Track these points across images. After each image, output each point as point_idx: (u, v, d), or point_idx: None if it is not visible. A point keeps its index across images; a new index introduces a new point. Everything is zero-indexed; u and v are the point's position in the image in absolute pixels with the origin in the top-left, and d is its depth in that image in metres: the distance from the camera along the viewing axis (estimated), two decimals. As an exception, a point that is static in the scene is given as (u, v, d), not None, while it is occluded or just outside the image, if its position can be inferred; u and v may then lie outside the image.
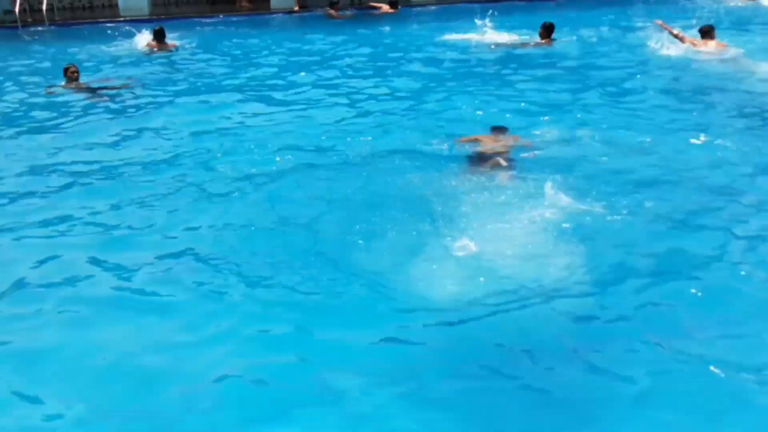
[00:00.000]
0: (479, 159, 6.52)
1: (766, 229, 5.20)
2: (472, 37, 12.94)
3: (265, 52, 12.79)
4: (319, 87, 9.99)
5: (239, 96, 9.58)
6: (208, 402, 3.58)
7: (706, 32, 10.70)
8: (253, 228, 5.49)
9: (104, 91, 9.72)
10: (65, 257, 5.07)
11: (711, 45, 10.55)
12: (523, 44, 12.12)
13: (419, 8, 17.92)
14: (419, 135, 7.43)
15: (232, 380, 3.74)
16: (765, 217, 5.36)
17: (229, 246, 5.14)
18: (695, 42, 10.64)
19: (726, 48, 10.53)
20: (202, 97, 9.49)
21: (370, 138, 7.43)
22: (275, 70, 11.21)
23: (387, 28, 15.21)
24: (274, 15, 17.58)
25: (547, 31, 12.05)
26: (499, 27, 13.20)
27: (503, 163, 6.24)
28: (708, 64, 10.05)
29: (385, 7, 17.25)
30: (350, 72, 11.03)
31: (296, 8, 17.96)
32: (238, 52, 13.00)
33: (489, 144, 6.80)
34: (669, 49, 10.74)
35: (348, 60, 11.84)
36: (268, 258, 4.91)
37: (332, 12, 16.91)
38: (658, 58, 10.66)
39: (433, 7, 17.99)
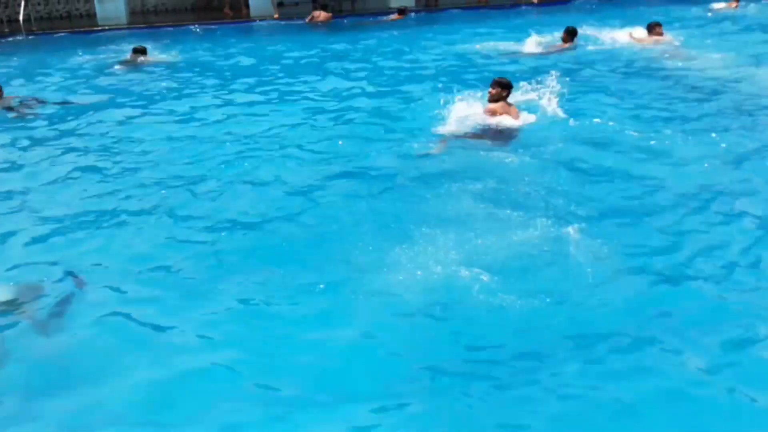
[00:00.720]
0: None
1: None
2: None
3: (250, 59, 12.81)
4: (308, 95, 10.05)
5: (223, 105, 9.59)
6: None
7: (652, 27, 12.28)
8: (238, 235, 5.55)
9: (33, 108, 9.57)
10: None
11: (654, 38, 12.17)
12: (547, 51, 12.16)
13: (421, 13, 18.26)
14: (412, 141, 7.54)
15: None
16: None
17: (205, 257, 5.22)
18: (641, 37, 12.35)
19: (666, 39, 12.13)
20: (180, 107, 9.46)
21: (360, 144, 7.52)
22: (259, 77, 11.24)
23: (395, 33, 15.36)
24: (254, 22, 17.59)
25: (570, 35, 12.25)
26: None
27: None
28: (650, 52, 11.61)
29: (394, 15, 17.40)
30: (353, 78, 11.03)
31: (276, 15, 17.99)
32: (221, 60, 13.00)
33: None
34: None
35: (358, 67, 11.89)
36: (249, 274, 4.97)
37: (318, 17, 16.92)
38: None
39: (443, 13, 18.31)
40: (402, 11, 17.38)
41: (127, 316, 4.45)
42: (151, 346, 4.16)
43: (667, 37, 12.21)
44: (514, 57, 11.80)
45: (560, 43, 12.26)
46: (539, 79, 8.45)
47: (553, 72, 8.67)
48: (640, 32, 12.55)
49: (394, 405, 3.57)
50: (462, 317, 4.23)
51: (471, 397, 3.61)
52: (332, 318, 4.35)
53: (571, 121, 7.60)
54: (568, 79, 9.22)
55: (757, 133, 7.37)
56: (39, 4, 19.70)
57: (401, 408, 3.58)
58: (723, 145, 7.00)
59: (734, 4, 16.19)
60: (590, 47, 12.19)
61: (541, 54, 11.83)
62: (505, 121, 7.32)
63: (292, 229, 5.57)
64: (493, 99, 7.42)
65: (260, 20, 17.65)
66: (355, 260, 4.94)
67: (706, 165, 6.52)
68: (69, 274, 4.95)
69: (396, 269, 4.69)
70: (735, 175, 6.25)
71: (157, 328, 4.32)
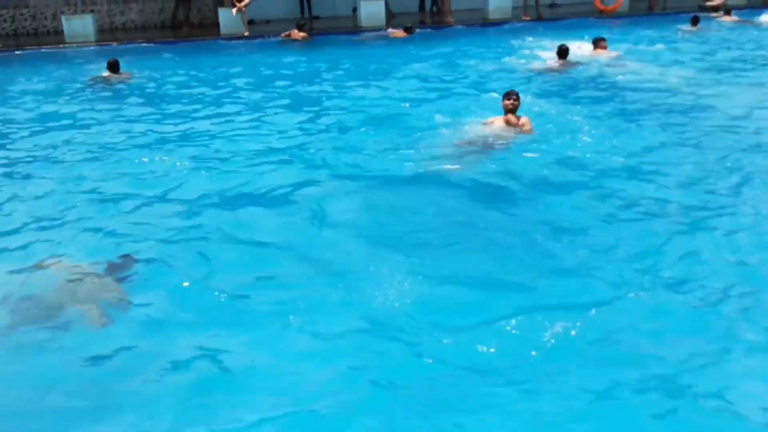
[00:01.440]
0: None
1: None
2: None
3: (222, 76, 12.75)
4: (280, 107, 10.04)
5: (190, 121, 9.47)
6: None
7: (596, 42, 13.22)
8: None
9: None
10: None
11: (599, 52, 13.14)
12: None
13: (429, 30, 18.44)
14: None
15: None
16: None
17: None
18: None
19: (611, 53, 13.06)
20: (153, 125, 9.34)
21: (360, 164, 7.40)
22: (231, 94, 11.17)
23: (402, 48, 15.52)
24: (224, 40, 17.54)
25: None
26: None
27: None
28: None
29: (400, 32, 17.46)
30: (357, 96, 10.92)
31: (246, 33, 17.97)
32: (192, 77, 12.92)
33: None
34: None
35: (363, 87, 11.74)
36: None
37: (296, 34, 16.85)
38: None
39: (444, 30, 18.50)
40: (408, 29, 17.48)
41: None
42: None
43: (613, 52, 13.24)
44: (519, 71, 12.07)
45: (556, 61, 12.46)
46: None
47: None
48: (586, 47, 13.50)
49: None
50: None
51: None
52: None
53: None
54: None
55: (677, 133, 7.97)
56: (5, 21, 19.49)
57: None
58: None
59: (696, 27, 16.61)
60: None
61: (540, 70, 12.07)
62: (526, 127, 7.74)
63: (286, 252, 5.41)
64: (514, 109, 7.80)
65: (230, 38, 17.60)
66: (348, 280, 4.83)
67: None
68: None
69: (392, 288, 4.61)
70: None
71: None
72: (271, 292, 4.64)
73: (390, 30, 17.85)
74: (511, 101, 7.79)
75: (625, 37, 15.59)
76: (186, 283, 4.77)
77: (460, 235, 5.51)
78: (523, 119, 7.78)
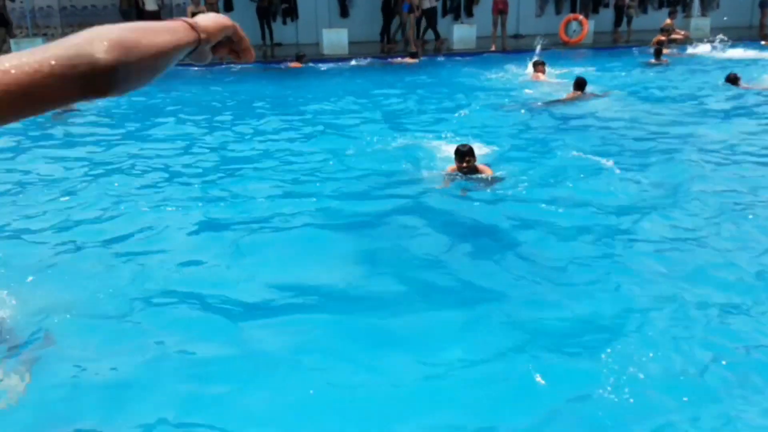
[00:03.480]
0: None
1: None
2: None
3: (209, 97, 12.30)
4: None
5: (177, 141, 9.04)
6: None
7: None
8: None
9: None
10: None
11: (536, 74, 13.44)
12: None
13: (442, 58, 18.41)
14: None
15: None
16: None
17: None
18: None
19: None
20: (144, 144, 8.84)
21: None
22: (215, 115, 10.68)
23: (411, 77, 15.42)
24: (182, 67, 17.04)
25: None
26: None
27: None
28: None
29: (408, 59, 17.46)
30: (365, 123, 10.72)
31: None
32: (174, 98, 12.46)
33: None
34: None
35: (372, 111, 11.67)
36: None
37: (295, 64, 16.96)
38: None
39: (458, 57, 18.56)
40: (414, 55, 17.58)
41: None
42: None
43: (545, 77, 13.74)
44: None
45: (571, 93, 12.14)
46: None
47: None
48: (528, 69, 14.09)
49: None
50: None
51: None
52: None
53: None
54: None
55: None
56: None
57: None
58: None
59: (666, 61, 16.60)
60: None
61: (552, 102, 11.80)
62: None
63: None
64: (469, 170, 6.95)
65: (186, 65, 17.08)
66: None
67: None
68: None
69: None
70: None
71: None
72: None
73: (398, 58, 17.91)
74: (465, 163, 6.85)
75: (588, 67, 15.52)
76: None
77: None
78: (482, 169, 7.06)
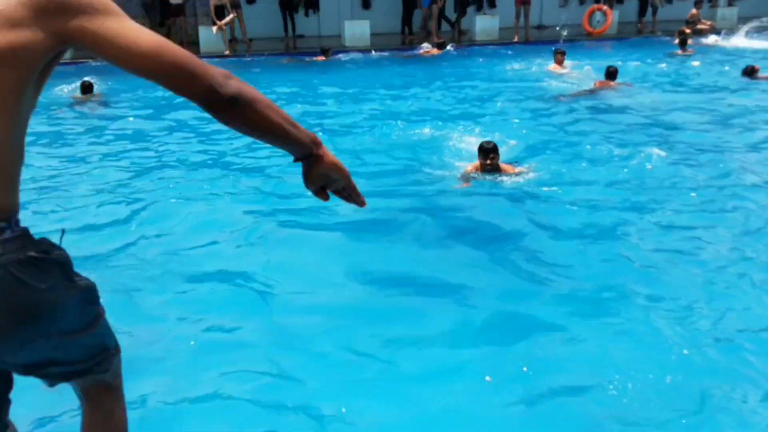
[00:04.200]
0: None
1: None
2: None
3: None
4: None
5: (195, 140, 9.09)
6: None
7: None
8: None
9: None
10: None
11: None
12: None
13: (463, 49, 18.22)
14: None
15: None
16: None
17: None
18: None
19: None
20: (143, 146, 8.91)
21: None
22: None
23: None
24: (207, 59, 17.14)
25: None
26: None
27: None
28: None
29: (434, 50, 17.37)
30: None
31: (227, 52, 17.59)
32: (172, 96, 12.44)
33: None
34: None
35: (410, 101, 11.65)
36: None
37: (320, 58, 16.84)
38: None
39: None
40: (441, 45, 17.41)
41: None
42: None
43: (563, 67, 13.73)
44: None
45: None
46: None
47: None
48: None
49: None
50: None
51: None
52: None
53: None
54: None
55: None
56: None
57: None
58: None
59: (692, 51, 16.38)
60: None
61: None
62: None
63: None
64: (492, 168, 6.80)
65: (210, 56, 17.23)
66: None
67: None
68: None
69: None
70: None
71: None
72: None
73: (423, 47, 17.76)
74: (489, 161, 6.70)
75: (612, 59, 15.35)
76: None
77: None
78: (505, 168, 6.89)
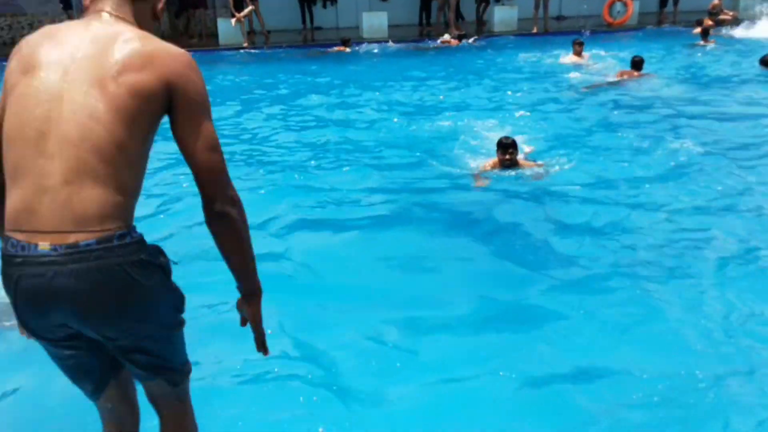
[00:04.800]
0: None
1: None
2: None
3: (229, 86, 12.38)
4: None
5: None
6: None
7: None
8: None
9: None
10: None
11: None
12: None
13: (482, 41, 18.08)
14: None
15: None
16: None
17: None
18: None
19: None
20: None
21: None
22: (244, 104, 10.79)
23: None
24: (225, 51, 17.22)
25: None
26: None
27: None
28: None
29: (453, 41, 17.39)
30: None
31: (245, 44, 17.64)
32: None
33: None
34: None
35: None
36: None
37: (342, 48, 16.72)
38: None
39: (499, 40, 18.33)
40: (460, 37, 17.45)
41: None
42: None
43: (581, 58, 13.67)
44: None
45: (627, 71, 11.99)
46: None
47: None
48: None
49: None
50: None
51: None
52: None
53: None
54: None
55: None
56: (2, 29, 19.25)
57: None
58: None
59: (713, 42, 16.16)
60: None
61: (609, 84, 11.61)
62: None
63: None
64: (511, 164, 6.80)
65: (230, 49, 17.30)
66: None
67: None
68: None
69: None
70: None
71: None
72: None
73: (443, 39, 17.69)
74: (508, 156, 6.70)
75: (633, 50, 15.20)
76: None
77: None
78: (523, 164, 6.89)
